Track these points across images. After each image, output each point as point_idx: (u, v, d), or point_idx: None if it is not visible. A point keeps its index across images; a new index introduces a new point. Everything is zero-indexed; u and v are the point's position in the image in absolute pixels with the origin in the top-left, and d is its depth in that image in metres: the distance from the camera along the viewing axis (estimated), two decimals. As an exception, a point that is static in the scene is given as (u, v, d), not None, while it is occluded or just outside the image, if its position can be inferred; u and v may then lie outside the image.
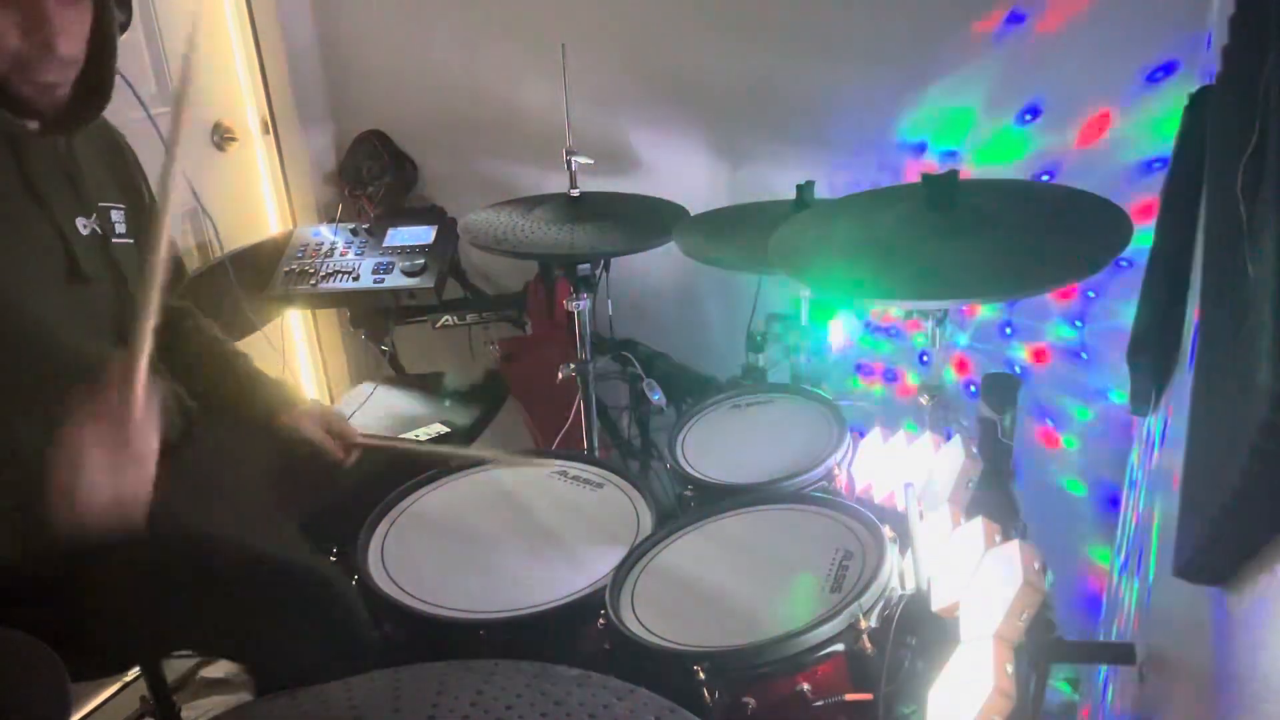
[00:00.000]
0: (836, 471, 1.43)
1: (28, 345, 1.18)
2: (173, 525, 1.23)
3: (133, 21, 1.30)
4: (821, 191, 1.75)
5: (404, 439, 1.87)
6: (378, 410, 2.12)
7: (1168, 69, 1.78)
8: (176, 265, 1.56)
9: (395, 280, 2.18)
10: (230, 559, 1.21)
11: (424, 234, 2.28)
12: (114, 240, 1.31)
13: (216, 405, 1.55)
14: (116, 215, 1.33)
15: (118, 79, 1.26)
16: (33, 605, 1.16)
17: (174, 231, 1.56)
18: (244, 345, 1.59)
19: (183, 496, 1.30)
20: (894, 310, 2.06)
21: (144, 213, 1.41)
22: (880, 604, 1.10)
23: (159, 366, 1.43)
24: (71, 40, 1.14)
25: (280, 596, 1.21)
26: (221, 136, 2.34)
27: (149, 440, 1.03)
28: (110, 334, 1.30)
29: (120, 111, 1.46)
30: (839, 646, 1.07)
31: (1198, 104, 1.30)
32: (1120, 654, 1.18)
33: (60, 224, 1.22)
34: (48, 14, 1.10)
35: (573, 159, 1.88)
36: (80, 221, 1.27)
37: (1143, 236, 1.37)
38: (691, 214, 1.94)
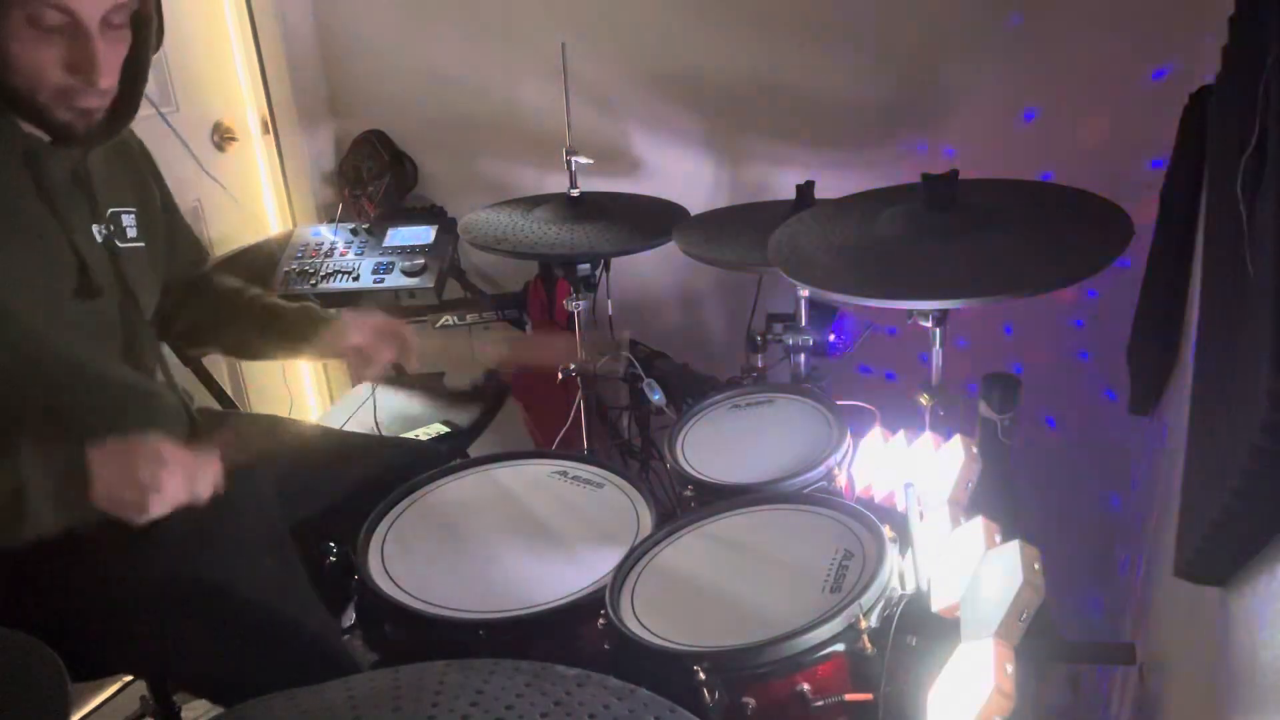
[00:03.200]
0: (836, 471, 1.43)
1: (39, 359, 1.18)
2: (178, 541, 1.24)
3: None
4: (821, 191, 1.75)
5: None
6: (378, 410, 2.12)
7: (1168, 69, 1.78)
8: (197, 246, 1.57)
9: (395, 280, 2.18)
10: (232, 606, 1.22)
11: (424, 234, 2.28)
12: (121, 245, 1.32)
13: (251, 350, 1.56)
14: (127, 219, 1.34)
15: None
16: (33, 605, 1.16)
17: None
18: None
19: (175, 528, 1.29)
20: (894, 310, 2.06)
21: (155, 211, 1.41)
22: (880, 604, 1.10)
23: (167, 370, 1.44)
24: (111, 73, 1.17)
25: (281, 654, 1.21)
26: (221, 136, 2.34)
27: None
28: (117, 344, 1.30)
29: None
30: (839, 646, 1.07)
31: (1198, 104, 1.31)
32: (1120, 654, 1.19)
33: (74, 237, 1.22)
34: (94, 52, 1.12)
35: (573, 159, 1.88)
36: (95, 229, 1.27)
37: (1143, 237, 1.37)
38: (691, 214, 1.94)
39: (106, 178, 1.32)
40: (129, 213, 1.34)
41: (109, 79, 1.16)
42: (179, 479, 1.11)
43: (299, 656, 1.23)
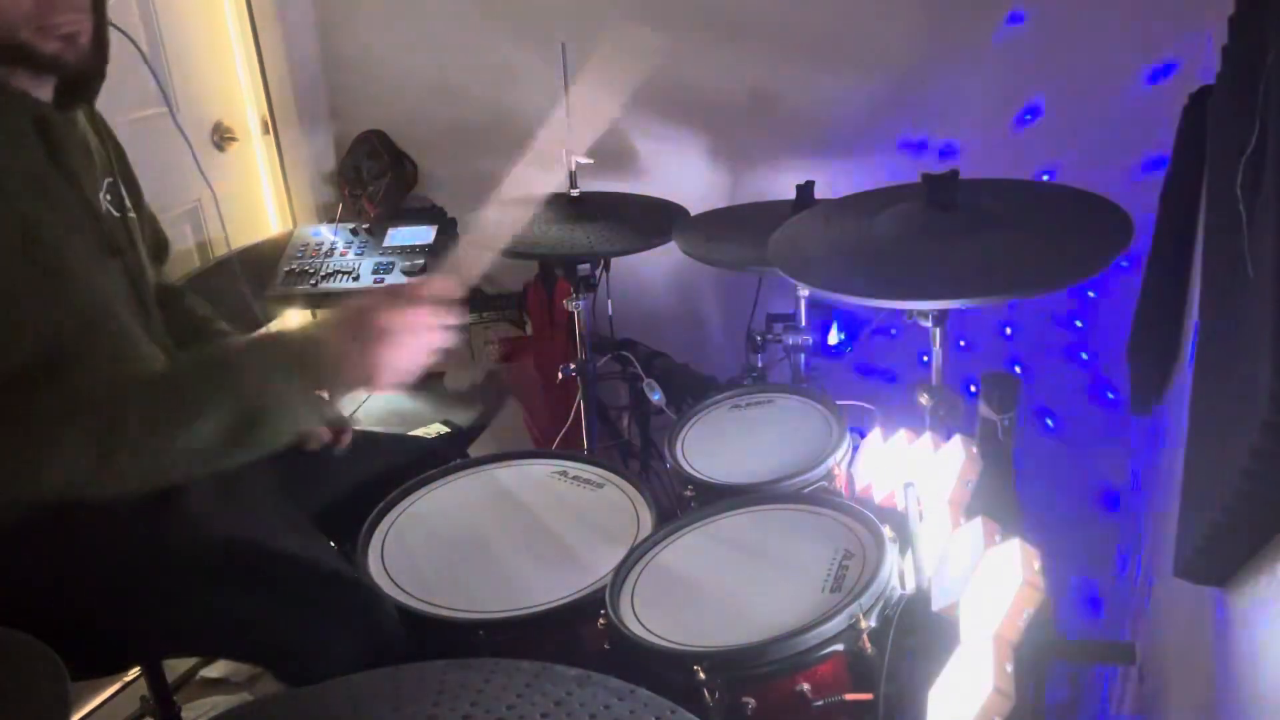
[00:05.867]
0: (836, 471, 1.43)
1: (97, 319, 1.17)
2: (185, 524, 1.24)
3: (133, 21, 1.30)
4: (821, 191, 1.75)
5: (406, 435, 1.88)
6: (378, 410, 2.12)
7: (1168, 69, 1.78)
8: (162, 236, 1.56)
9: (395, 280, 2.18)
10: (249, 557, 1.21)
11: (424, 234, 2.28)
12: (119, 215, 1.32)
13: None
14: (121, 191, 1.34)
15: (123, 76, 1.26)
16: (33, 605, 1.16)
17: (174, 232, 1.56)
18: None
19: (192, 493, 1.30)
20: (894, 310, 2.07)
21: (136, 189, 1.41)
22: (880, 604, 1.10)
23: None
24: None
25: (305, 595, 1.21)
26: (221, 136, 2.34)
27: None
28: (131, 302, 1.30)
29: (118, 112, 1.46)
30: (839, 646, 1.07)
31: (1198, 104, 1.31)
32: (1120, 654, 1.19)
33: (89, 199, 1.23)
34: None
35: (573, 159, 1.88)
36: (102, 195, 1.28)
37: (1143, 237, 1.37)
38: (691, 214, 1.94)
39: (100, 149, 1.32)
40: (118, 186, 1.34)
41: None
42: (409, 330, 1.13)
43: (332, 600, 1.22)
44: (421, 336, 1.14)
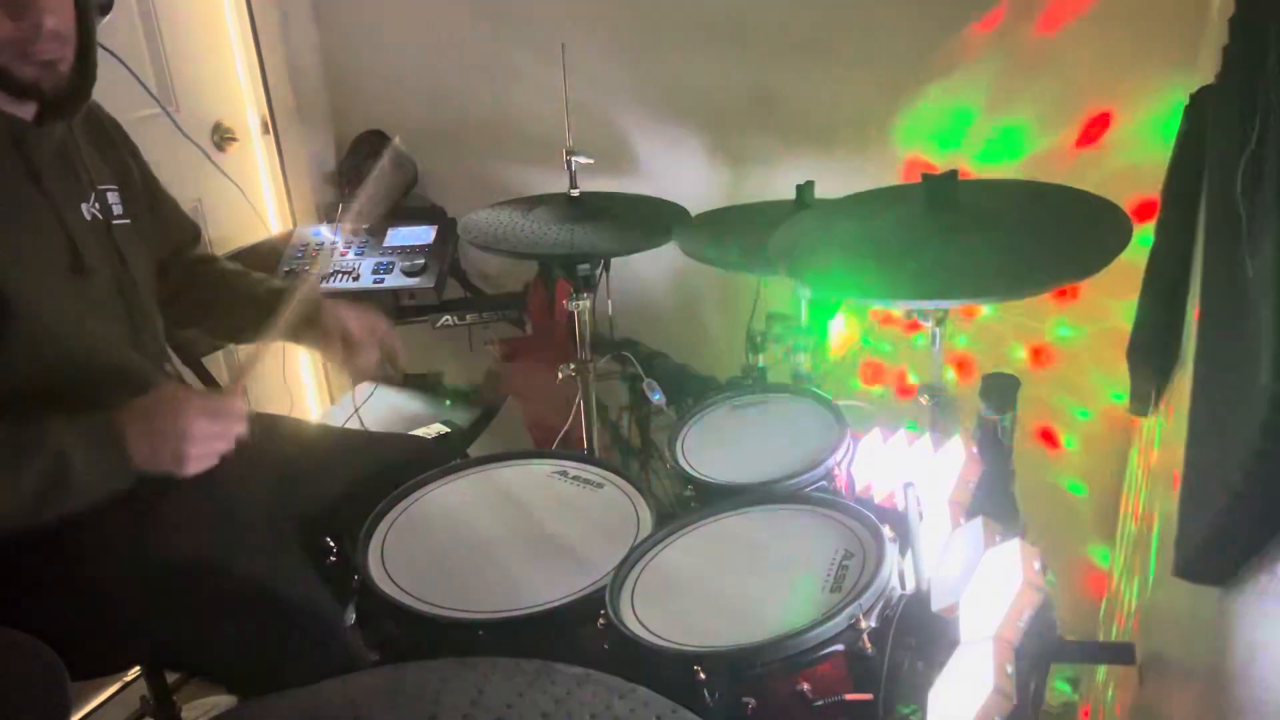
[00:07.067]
0: (836, 471, 1.43)
1: (34, 337, 1.18)
2: (177, 534, 1.24)
3: (132, 21, 1.30)
4: (821, 191, 1.75)
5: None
6: (378, 410, 2.12)
7: (1167, 69, 1.78)
8: (188, 222, 1.57)
9: (395, 280, 2.18)
10: (232, 586, 1.22)
11: (424, 234, 2.28)
12: (114, 223, 1.32)
13: (247, 333, 1.54)
14: (113, 197, 1.34)
15: (124, 76, 1.26)
16: (33, 605, 1.17)
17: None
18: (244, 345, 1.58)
19: (187, 497, 1.30)
20: (894, 310, 2.07)
21: (136, 191, 1.41)
22: (880, 604, 1.10)
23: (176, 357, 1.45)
24: (57, 15, 1.15)
25: (280, 632, 1.22)
26: (221, 136, 2.34)
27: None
28: (113, 318, 1.30)
29: (119, 112, 1.46)
30: (839, 646, 1.07)
31: (1198, 104, 1.31)
32: (1120, 654, 1.18)
33: (63, 215, 1.23)
34: None
35: (573, 159, 1.88)
36: (84, 207, 1.27)
37: (1143, 237, 1.37)
38: (691, 214, 1.94)
39: (90, 157, 1.32)
40: (113, 190, 1.34)
41: (55, 17, 1.14)
42: (208, 424, 1.17)
43: (299, 636, 1.24)
44: (210, 443, 1.19)
